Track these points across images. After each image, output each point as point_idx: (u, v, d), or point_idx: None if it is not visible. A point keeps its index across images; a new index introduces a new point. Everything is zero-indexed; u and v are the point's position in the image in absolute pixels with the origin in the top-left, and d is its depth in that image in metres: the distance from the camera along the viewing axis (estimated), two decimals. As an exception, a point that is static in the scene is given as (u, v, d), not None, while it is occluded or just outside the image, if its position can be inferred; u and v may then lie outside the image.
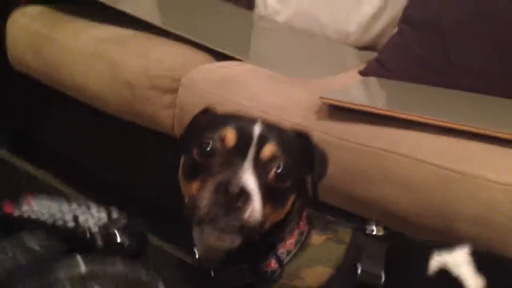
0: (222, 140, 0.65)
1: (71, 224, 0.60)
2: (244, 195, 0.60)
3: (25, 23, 1.64)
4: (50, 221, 0.60)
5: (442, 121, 0.93)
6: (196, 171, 0.65)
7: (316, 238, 0.73)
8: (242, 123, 0.68)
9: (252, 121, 0.69)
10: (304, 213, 0.74)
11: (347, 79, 1.30)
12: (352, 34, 1.67)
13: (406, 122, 0.97)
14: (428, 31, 1.34)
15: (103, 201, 0.70)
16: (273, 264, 0.70)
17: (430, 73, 1.28)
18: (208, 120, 0.72)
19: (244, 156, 0.64)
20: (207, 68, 1.28)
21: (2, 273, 0.50)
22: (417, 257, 0.74)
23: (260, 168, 0.64)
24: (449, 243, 0.74)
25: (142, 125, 1.35)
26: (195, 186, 0.64)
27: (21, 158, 1.73)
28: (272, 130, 0.68)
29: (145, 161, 1.44)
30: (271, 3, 1.76)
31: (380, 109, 0.98)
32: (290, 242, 0.71)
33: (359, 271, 0.71)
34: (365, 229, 0.77)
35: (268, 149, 0.65)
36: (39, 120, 1.79)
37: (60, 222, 0.60)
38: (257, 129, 0.67)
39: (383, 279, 0.70)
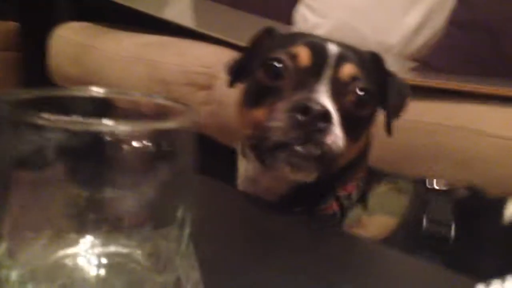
0: (295, 57, 0.57)
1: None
2: (326, 117, 0.51)
3: (68, 36, 1.68)
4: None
5: (499, 90, 0.85)
6: (263, 96, 0.56)
7: (376, 187, 0.65)
8: (316, 40, 0.59)
9: (326, 39, 0.60)
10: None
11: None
12: (395, 46, 1.62)
13: (459, 95, 0.89)
14: (478, 30, 1.28)
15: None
16: (335, 206, 0.61)
17: (481, 68, 1.21)
18: (274, 39, 0.63)
19: (319, 76, 0.55)
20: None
21: None
22: (489, 208, 0.66)
23: (338, 90, 0.55)
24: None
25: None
26: (262, 112, 0.55)
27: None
28: (349, 49, 0.59)
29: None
30: (310, 18, 1.75)
31: (433, 81, 0.91)
32: (351, 185, 0.63)
33: (424, 222, 0.62)
34: (426, 184, 0.69)
35: (348, 69, 0.57)
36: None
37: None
38: (333, 47, 0.58)
39: (453, 229, 0.61)
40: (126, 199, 0.29)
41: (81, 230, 0.29)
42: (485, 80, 1.08)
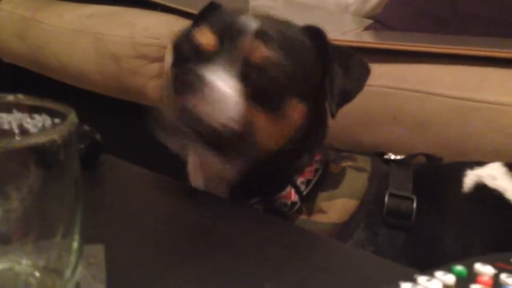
0: (202, 40, 0.55)
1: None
2: (206, 87, 0.49)
3: (10, 10, 1.58)
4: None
5: (451, 49, 0.84)
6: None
7: (333, 167, 0.62)
8: (235, 21, 0.56)
9: (249, 17, 0.57)
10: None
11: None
12: (351, 4, 1.59)
13: (412, 57, 0.87)
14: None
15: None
16: (293, 195, 0.59)
17: (435, 25, 1.19)
18: (213, 16, 0.60)
19: (226, 58, 0.53)
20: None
21: None
22: (448, 176, 0.66)
23: (249, 71, 0.54)
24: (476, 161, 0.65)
25: (130, 101, 1.27)
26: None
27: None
28: (272, 28, 0.57)
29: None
30: (265, -21, 1.69)
31: (385, 43, 0.89)
32: (309, 170, 0.60)
33: (386, 198, 0.61)
34: (383, 156, 0.68)
35: (258, 51, 0.55)
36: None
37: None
38: (250, 27, 0.55)
39: (415, 203, 0.61)
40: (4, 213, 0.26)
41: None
42: (437, 38, 1.07)
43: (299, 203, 0.59)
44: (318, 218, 0.60)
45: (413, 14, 1.24)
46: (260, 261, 0.37)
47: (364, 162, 0.65)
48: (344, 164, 0.64)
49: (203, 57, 0.55)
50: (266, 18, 0.59)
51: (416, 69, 0.86)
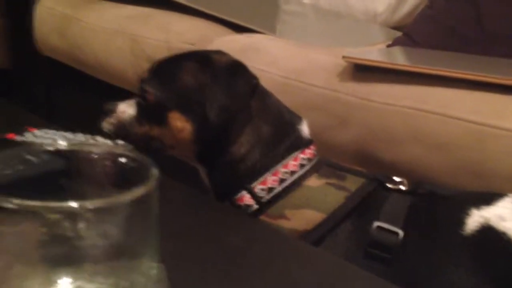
0: None
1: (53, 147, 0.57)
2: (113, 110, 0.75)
3: (51, 6, 1.65)
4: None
5: (474, 75, 0.86)
6: None
7: (314, 181, 0.69)
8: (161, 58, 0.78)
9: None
10: (297, 155, 0.70)
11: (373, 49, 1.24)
12: (380, 14, 1.61)
13: (435, 79, 0.90)
14: (462, 3, 1.27)
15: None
16: (247, 199, 0.68)
17: (461, 43, 1.21)
18: None
19: None
20: (228, 38, 1.25)
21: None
22: (449, 214, 0.65)
23: (138, 92, 0.75)
24: (484, 193, 0.67)
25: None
26: None
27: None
28: (163, 60, 0.77)
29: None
30: (296, -15, 1.72)
31: (408, 66, 0.92)
32: (272, 179, 0.68)
33: (373, 228, 0.63)
34: (385, 182, 0.70)
35: (140, 76, 0.76)
36: (60, 106, 1.79)
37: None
38: (153, 62, 0.78)
39: (400, 238, 0.62)
40: (94, 238, 0.32)
41: (56, 270, 0.32)
42: (462, 59, 1.09)
43: (254, 207, 0.68)
44: (280, 223, 0.66)
45: (441, 31, 1.26)
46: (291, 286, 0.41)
47: (352, 183, 0.69)
48: (327, 180, 0.69)
49: None
50: (173, 55, 0.78)
51: (437, 92, 0.89)
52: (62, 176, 0.34)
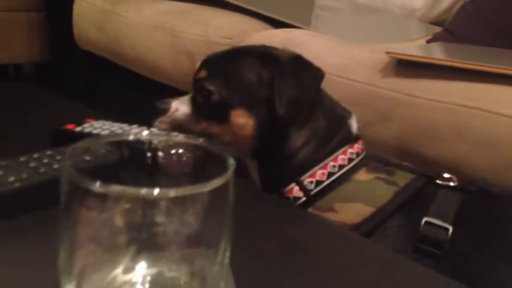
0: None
1: (132, 138, 0.58)
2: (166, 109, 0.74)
3: (90, 1, 1.68)
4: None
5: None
6: None
7: (363, 175, 0.69)
8: (215, 53, 0.77)
9: (223, 52, 0.77)
10: (346, 149, 0.71)
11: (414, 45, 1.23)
12: (419, 9, 1.59)
13: (481, 75, 0.89)
14: (505, -2, 1.25)
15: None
16: (296, 191, 0.68)
17: (505, 39, 1.19)
18: None
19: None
20: (267, 33, 1.25)
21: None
22: (503, 211, 0.66)
23: (196, 89, 0.73)
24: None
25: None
26: None
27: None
28: (218, 57, 0.76)
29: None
30: (333, -20, 1.72)
31: (454, 62, 0.91)
32: (321, 173, 0.69)
33: (422, 223, 0.63)
34: (435, 179, 0.70)
35: (198, 74, 0.74)
36: (100, 98, 1.82)
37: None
38: (206, 59, 0.75)
39: (449, 233, 0.62)
40: (173, 226, 0.33)
41: (135, 256, 0.33)
42: (509, 54, 1.07)
43: (303, 198, 0.68)
44: (328, 215, 0.66)
45: (483, 27, 1.24)
46: (351, 281, 0.42)
47: (401, 178, 0.69)
48: (377, 175, 0.69)
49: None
50: (228, 51, 0.78)
51: (484, 88, 0.88)
52: (140, 166, 0.35)
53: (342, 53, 1.09)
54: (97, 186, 0.26)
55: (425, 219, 0.63)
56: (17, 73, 2.50)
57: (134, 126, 0.63)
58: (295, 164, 0.70)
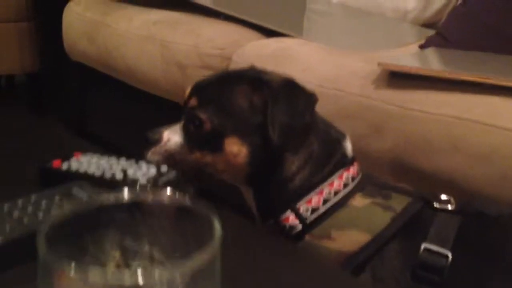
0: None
1: (119, 176, 0.57)
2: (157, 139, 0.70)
3: (79, 12, 1.67)
4: (98, 173, 0.58)
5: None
6: None
7: (359, 200, 0.68)
8: (205, 78, 0.74)
9: (212, 77, 0.75)
10: (341, 173, 0.69)
11: (406, 52, 1.21)
12: (411, 11, 1.58)
13: (477, 86, 0.88)
14: None
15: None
16: (291, 219, 0.67)
17: (499, 42, 1.18)
18: None
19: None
20: (258, 43, 1.24)
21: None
22: (500, 235, 0.65)
23: (187, 118, 0.71)
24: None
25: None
26: None
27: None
28: (208, 83, 0.73)
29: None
30: (325, -16, 1.70)
31: (448, 73, 0.90)
32: (316, 199, 0.67)
33: (421, 249, 0.62)
34: (432, 201, 0.69)
35: (188, 101, 0.71)
36: (93, 113, 1.80)
37: (108, 175, 0.57)
38: (197, 84, 0.73)
39: (449, 260, 0.61)
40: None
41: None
42: (505, 63, 1.06)
43: (299, 227, 0.67)
44: (324, 243, 0.66)
45: (476, 29, 1.23)
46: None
47: (398, 202, 0.68)
48: (373, 200, 0.68)
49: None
50: (218, 76, 0.76)
51: (480, 100, 0.87)
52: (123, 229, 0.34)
53: (333, 63, 1.08)
54: (72, 271, 0.25)
55: (424, 245, 0.62)
56: (9, 84, 2.48)
57: (122, 159, 0.61)
58: (290, 189, 0.69)
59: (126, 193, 0.33)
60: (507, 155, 0.82)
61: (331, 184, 0.68)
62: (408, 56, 1.08)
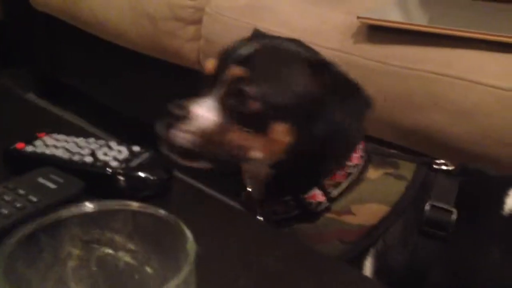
0: (207, 66, 0.64)
1: (88, 158, 0.54)
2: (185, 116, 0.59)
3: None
4: (65, 156, 0.55)
5: (503, 36, 0.81)
6: None
7: (372, 173, 0.66)
8: (232, 49, 0.63)
9: (254, 45, 0.63)
10: (360, 146, 0.66)
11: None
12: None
13: (459, 41, 0.85)
14: None
15: (129, 140, 0.63)
16: (318, 196, 0.64)
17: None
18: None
19: (216, 81, 0.61)
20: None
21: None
22: (490, 194, 0.66)
23: (227, 91, 0.60)
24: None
25: (166, 61, 1.28)
26: None
27: (47, 101, 1.71)
28: (259, 54, 0.62)
29: (170, 97, 1.37)
30: None
31: (429, 27, 0.86)
32: (340, 174, 0.64)
33: (427, 208, 0.63)
34: (432, 164, 0.68)
35: (232, 71, 0.60)
36: (63, 62, 1.73)
37: (76, 157, 0.54)
38: (239, 53, 0.62)
39: (454, 216, 0.63)
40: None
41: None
42: (490, 9, 1.03)
43: (326, 204, 0.64)
44: (346, 218, 0.64)
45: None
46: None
47: (406, 170, 0.67)
48: (385, 170, 0.66)
49: (206, 81, 0.63)
50: (266, 46, 0.64)
51: (462, 55, 0.84)
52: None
53: (313, 16, 1.03)
54: None
55: (429, 202, 0.63)
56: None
57: (91, 139, 0.58)
58: (321, 169, 0.65)
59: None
60: (489, 112, 0.80)
61: (350, 158, 0.65)
62: (390, 7, 1.03)
